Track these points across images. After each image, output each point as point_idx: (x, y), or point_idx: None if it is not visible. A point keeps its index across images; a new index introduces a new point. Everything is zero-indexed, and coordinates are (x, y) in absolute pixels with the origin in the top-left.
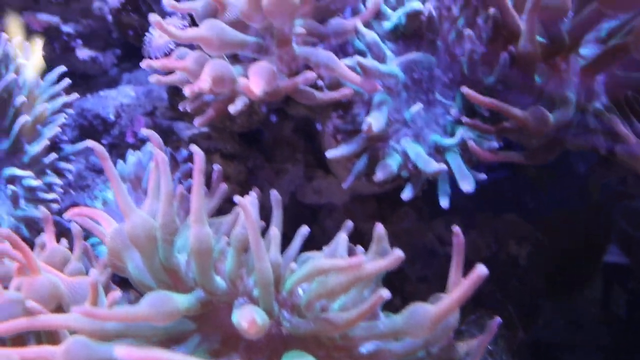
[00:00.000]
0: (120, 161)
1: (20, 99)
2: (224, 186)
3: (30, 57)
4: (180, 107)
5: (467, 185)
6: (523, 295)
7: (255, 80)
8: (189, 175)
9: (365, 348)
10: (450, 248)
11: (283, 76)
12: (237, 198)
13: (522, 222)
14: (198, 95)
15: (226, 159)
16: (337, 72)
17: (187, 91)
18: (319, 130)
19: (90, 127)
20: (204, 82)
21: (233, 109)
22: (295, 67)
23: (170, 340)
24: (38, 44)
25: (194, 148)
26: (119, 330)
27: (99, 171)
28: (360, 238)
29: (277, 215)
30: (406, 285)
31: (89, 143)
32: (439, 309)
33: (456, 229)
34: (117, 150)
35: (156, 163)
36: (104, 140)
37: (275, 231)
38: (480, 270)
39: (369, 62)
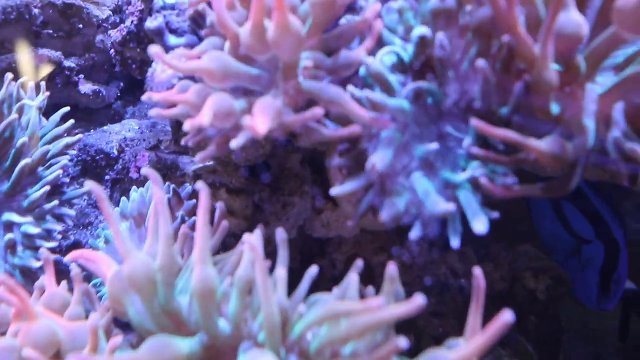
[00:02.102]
0: (123, 198)
1: (21, 140)
2: (225, 224)
3: (34, 97)
4: (183, 142)
5: (479, 225)
6: (542, 332)
7: (260, 118)
8: (192, 212)
9: None
10: (464, 281)
11: (289, 111)
12: (245, 237)
13: (539, 253)
14: (200, 130)
15: (232, 194)
16: (346, 108)
17: (187, 126)
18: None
19: (92, 162)
20: (205, 117)
21: (235, 144)
22: (301, 102)
23: None
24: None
25: (200, 184)
26: None
27: None
28: (370, 271)
29: (282, 255)
30: (419, 320)
31: (88, 184)
32: (458, 357)
33: (477, 271)
34: (121, 185)
35: (155, 203)
36: (107, 176)
37: (281, 272)
38: (506, 316)
39: (378, 96)
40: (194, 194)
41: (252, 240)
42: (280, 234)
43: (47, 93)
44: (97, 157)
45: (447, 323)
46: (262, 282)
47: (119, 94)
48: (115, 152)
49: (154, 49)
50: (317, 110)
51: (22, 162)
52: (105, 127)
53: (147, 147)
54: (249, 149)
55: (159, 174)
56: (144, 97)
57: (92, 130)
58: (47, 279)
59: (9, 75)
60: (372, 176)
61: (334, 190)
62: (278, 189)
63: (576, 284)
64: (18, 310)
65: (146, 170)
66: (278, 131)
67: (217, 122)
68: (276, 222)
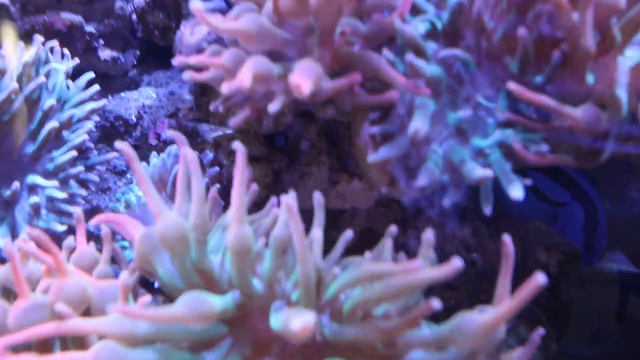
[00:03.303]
0: (144, 163)
1: (48, 103)
2: (255, 187)
3: (60, 61)
4: (212, 107)
5: (516, 191)
6: (554, 305)
7: (303, 79)
8: (215, 179)
9: (409, 358)
10: (476, 255)
11: (326, 77)
12: (282, 198)
13: (549, 230)
14: (231, 95)
15: (252, 161)
16: (383, 73)
17: (225, 88)
18: (350, 133)
19: (112, 128)
20: (246, 80)
21: (273, 108)
22: (337, 68)
23: (200, 344)
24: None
25: (236, 144)
26: (149, 334)
27: (120, 173)
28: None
29: (319, 217)
30: (432, 293)
31: (117, 144)
32: (490, 318)
33: (506, 237)
34: (140, 152)
35: (184, 162)
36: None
37: (317, 234)
38: (539, 279)
39: (419, 62)
40: (215, 161)
41: (289, 200)
42: (318, 198)
43: (77, 60)
44: (117, 124)
45: (460, 295)
46: (299, 241)
47: (135, 63)
48: (134, 119)
49: (195, 4)
50: (356, 76)
51: (50, 125)
52: (122, 94)
53: (165, 114)
54: (272, 117)
55: None
56: (175, 62)
57: (109, 97)
58: (78, 238)
59: (39, 38)
60: (409, 143)
61: (372, 157)
62: (296, 159)
63: None
64: (49, 267)
65: (171, 132)
66: (316, 97)
67: (256, 85)
68: (294, 191)
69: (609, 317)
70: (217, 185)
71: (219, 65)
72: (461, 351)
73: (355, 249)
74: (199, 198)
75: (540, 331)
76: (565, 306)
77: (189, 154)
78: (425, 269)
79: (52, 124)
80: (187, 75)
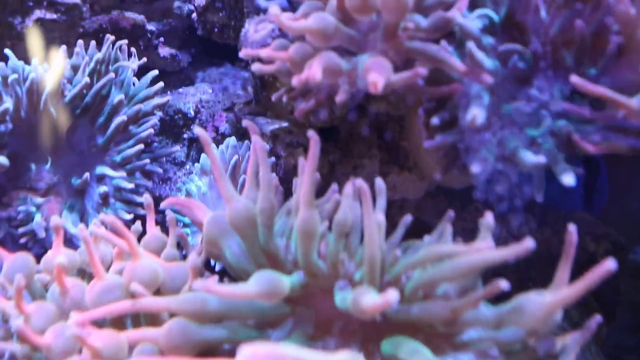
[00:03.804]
0: (203, 155)
1: (117, 98)
2: (317, 176)
3: (127, 58)
4: (274, 98)
5: (568, 178)
6: (602, 294)
7: (378, 76)
8: (272, 169)
9: (467, 335)
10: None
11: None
12: (358, 182)
13: (597, 221)
14: (292, 88)
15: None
16: (447, 63)
17: (295, 81)
18: (400, 127)
19: (171, 121)
20: (317, 74)
21: (340, 98)
22: (397, 61)
23: (265, 323)
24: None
25: (310, 133)
26: (219, 312)
27: (179, 164)
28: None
29: (381, 202)
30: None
31: (195, 129)
32: (553, 299)
33: (572, 227)
34: (197, 144)
35: (255, 150)
36: (184, 135)
37: (380, 217)
38: (609, 264)
39: (479, 54)
40: (272, 153)
41: (361, 183)
42: (379, 184)
43: (144, 59)
44: (176, 117)
45: (509, 280)
46: (368, 222)
47: (190, 60)
48: (192, 113)
49: (274, 9)
50: (421, 70)
51: (119, 119)
52: (180, 90)
53: (222, 108)
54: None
55: (238, 134)
56: (242, 54)
57: (168, 92)
58: (148, 223)
59: (110, 37)
60: (465, 131)
61: (428, 143)
62: (348, 151)
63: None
64: (120, 250)
65: (246, 122)
66: (384, 90)
67: (325, 79)
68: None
69: None
70: (275, 175)
71: (286, 59)
72: (518, 331)
73: (404, 237)
74: (267, 184)
75: (598, 318)
76: (613, 293)
77: (259, 143)
78: (495, 248)
79: (120, 118)
80: (256, 66)
